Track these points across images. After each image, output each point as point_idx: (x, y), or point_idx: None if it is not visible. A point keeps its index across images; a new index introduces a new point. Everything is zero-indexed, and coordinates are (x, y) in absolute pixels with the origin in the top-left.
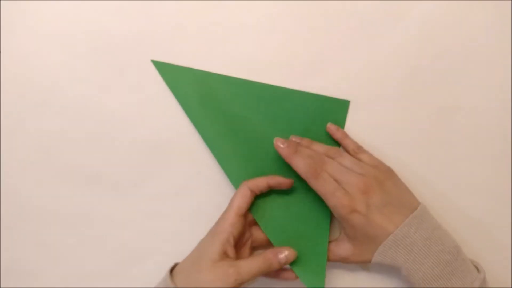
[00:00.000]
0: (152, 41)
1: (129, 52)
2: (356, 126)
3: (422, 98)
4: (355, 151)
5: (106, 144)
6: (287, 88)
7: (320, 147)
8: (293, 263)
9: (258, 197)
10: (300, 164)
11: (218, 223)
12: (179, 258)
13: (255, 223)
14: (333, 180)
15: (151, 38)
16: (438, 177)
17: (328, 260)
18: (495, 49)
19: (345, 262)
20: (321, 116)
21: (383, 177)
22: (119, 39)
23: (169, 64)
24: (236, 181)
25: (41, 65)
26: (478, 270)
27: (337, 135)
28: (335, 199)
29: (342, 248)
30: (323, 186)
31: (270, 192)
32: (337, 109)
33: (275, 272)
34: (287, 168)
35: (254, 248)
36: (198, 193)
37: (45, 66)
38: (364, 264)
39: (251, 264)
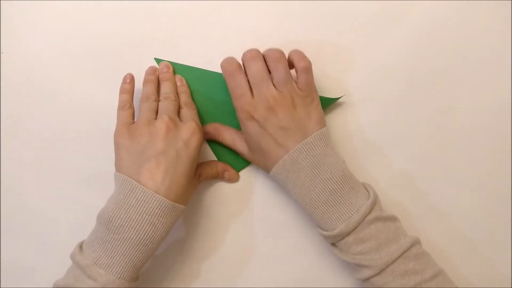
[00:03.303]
0: (152, 41)
1: (129, 52)
2: (356, 126)
3: (422, 98)
4: (300, 69)
5: (106, 144)
6: None
7: (273, 52)
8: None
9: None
10: (222, 62)
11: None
12: (178, 254)
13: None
14: (246, 82)
15: (151, 39)
16: (438, 176)
17: (227, 145)
18: (495, 49)
19: (245, 158)
20: None
21: (300, 102)
22: (120, 39)
23: (171, 62)
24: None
25: (41, 65)
26: (369, 195)
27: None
28: (239, 101)
29: (241, 143)
30: (232, 85)
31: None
32: (330, 103)
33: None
34: None
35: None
36: (199, 191)
37: (45, 66)
38: None
39: (206, 169)
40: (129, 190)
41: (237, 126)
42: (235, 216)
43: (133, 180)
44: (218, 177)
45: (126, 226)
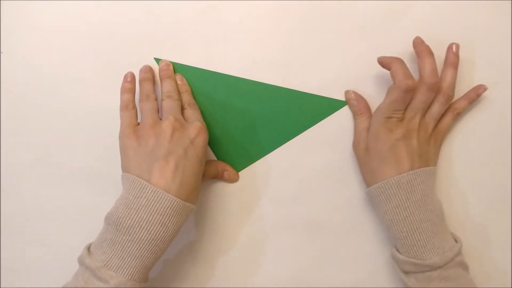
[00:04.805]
0: (152, 41)
1: (129, 52)
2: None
3: None
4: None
5: (106, 143)
6: (285, 88)
7: (450, 90)
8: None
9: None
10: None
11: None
12: (182, 255)
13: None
14: (408, 101)
15: (151, 38)
16: (438, 176)
17: (356, 128)
18: (495, 49)
19: (355, 153)
20: (319, 117)
21: (434, 140)
22: (120, 39)
23: (171, 62)
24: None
25: (41, 65)
26: (456, 241)
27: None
28: (392, 110)
29: (366, 136)
30: (398, 96)
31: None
32: (336, 109)
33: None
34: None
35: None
36: (202, 192)
37: (45, 66)
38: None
39: (208, 168)
40: (139, 190)
41: (236, 127)
42: (235, 217)
43: (143, 180)
44: (218, 176)
45: (137, 227)
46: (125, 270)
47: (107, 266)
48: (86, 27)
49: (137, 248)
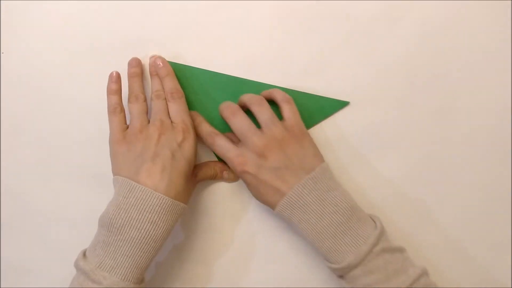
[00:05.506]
0: (152, 41)
1: (129, 52)
2: (355, 127)
3: (422, 98)
4: (283, 100)
5: (106, 143)
6: (285, 88)
7: (252, 97)
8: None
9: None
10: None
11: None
12: (182, 253)
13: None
14: (230, 140)
15: (151, 38)
16: (438, 177)
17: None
18: (495, 49)
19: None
20: (320, 117)
21: (290, 140)
22: (120, 39)
23: (171, 63)
24: None
25: (41, 65)
26: (376, 226)
27: (267, 91)
28: (228, 158)
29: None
30: (219, 147)
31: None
32: (336, 109)
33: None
34: None
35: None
36: (200, 192)
37: (45, 66)
38: None
39: (205, 170)
40: (128, 191)
41: None
42: (234, 216)
43: (132, 181)
44: (217, 177)
45: (128, 226)
46: (118, 270)
47: (101, 267)
48: (86, 27)
49: (128, 248)
